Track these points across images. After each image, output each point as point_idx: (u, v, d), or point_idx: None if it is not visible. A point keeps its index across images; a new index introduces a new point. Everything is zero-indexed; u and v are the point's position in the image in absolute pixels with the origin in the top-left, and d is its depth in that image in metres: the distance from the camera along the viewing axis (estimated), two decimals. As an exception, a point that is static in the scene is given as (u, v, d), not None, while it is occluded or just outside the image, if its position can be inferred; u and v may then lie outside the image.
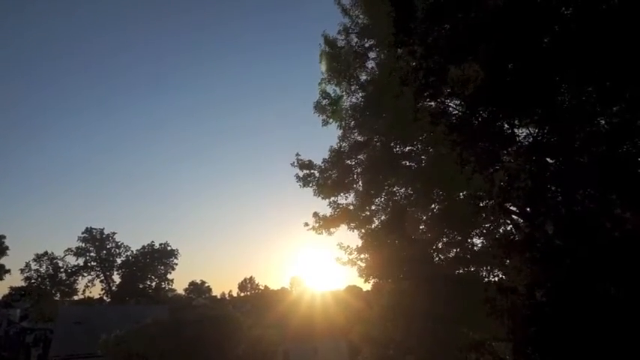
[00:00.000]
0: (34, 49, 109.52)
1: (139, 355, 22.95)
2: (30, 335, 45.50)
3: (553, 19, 9.40)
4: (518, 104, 9.75)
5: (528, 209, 10.76)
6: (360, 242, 15.48)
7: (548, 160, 10.25)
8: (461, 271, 13.63)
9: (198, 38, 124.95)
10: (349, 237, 16.04)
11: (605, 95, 9.02)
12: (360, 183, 15.48)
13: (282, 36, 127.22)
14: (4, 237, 53.88)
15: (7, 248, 53.76)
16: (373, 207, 15.42)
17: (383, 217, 15.07)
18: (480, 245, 13.54)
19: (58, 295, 68.25)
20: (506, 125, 10.86)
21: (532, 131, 10.81)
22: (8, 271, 55.61)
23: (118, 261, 71.53)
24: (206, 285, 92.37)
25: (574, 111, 9.44)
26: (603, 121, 9.66)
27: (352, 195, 15.72)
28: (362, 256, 15.37)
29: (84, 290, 69.69)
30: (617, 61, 8.48)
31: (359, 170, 15.47)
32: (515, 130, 10.94)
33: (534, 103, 9.70)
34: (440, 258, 14.04)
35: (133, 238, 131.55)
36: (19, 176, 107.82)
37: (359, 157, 15.40)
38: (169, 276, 72.53)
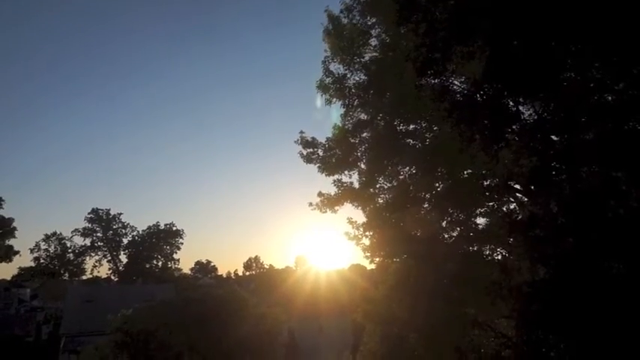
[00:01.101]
0: (37, 32, 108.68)
1: (147, 332, 23.33)
2: (40, 313, 46.36)
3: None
4: (523, 81, 9.61)
5: (532, 187, 10.71)
6: (364, 219, 15.60)
7: (552, 137, 10.16)
8: (465, 250, 13.68)
9: (202, 19, 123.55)
10: (354, 214, 16.16)
11: (612, 71, 8.87)
12: (364, 161, 15.48)
13: (285, 15, 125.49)
14: (12, 219, 54.36)
15: (15, 229, 54.27)
16: (377, 185, 15.45)
17: (387, 196, 15.09)
18: (483, 224, 13.57)
19: (67, 274, 69.37)
20: (510, 103, 10.73)
21: (537, 109, 10.69)
22: (17, 252, 56.21)
23: (125, 241, 72.61)
24: (212, 264, 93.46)
25: (579, 87, 9.30)
26: (609, 98, 9.53)
27: (356, 173, 15.77)
28: (367, 233, 15.48)
29: (92, 270, 70.90)
30: (624, 36, 8.32)
31: (363, 149, 15.45)
32: (520, 108, 10.82)
33: (539, 79, 9.55)
34: (444, 237, 14.08)
35: (138, 218, 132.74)
36: (26, 157, 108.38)
37: (363, 135, 15.37)
38: (175, 256, 73.55)
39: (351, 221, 15.80)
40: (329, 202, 15.88)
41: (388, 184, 15.15)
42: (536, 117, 10.58)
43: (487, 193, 11.98)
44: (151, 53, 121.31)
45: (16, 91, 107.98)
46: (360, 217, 15.83)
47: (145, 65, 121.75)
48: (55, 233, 69.12)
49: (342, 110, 15.43)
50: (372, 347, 17.84)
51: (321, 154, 15.82)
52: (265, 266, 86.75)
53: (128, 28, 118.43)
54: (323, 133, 16.03)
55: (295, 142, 16.16)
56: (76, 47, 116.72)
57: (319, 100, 15.61)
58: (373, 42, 14.84)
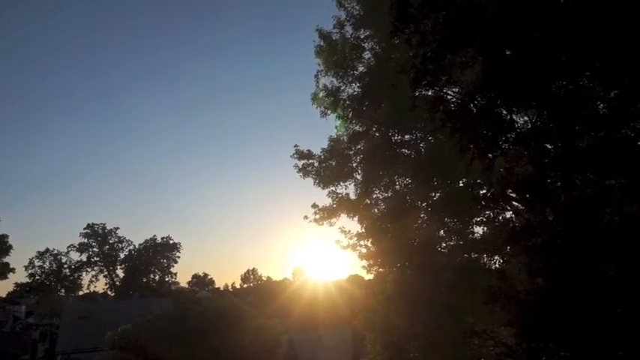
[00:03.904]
0: (31, 45, 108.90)
1: (146, 347, 23.16)
2: (36, 331, 45.84)
3: (551, 4, 9.34)
4: (516, 90, 9.73)
5: (528, 196, 10.77)
6: (360, 230, 15.59)
7: (547, 145, 10.25)
8: (462, 259, 13.70)
9: (195, 31, 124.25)
10: (350, 225, 16.14)
11: (603, 80, 8.99)
12: (360, 172, 15.52)
13: (281, 26, 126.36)
14: (6, 236, 53.95)
15: (10, 247, 53.79)
16: (374, 196, 15.48)
17: (383, 206, 15.10)
18: (480, 233, 13.61)
19: (63, 290, 68.73)
20: (504, 111, 10.84)
21: (531, 117, 10.80)
22: (12, 270, 55.70)
23: (121, 255, 72.05)
24: (209, 277, 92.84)
25: (572, 96, 9.41)
26: (602, 106, 9.65)
27: (352, 184, 15.79)
28: (362, 242, 15.48)
29: (88, 285, 70.30)
30: (615, 45, 8.45)
31: (358, 159, 15.50)
32: (514, 117, 10.92)
33: (532, 88, 9.67)
34: (441, 246, 14.10)
35: (135, 232, 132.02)
36: (19, 174, 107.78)
37: (358, 147, 15.43)
38: (172, 269, 73.05)
39: (343, 230, 15.80)
40: (325, 215, 15.87)
41: (384, 195, 15.18)
42: (530, 125, 10.68)
43: (483, 202, 12.03)
44: (142, 69, 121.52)
45: (10, 108, 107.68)
46: (356, 228, 15.84)
47: (136, 80, 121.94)
48: (47, 250, 68.47)
49: (338, 122, 15.53)
50: (374, 357, 17.78)
51: (316, 165, 15.85)
52: (263, 278, 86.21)
53: (118, 42, 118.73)
54: (322, 144, 16.10)
55: (291, 156, 16.22)
56: (63, 64, 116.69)
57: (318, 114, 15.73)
58: (366, 55, 15.03)
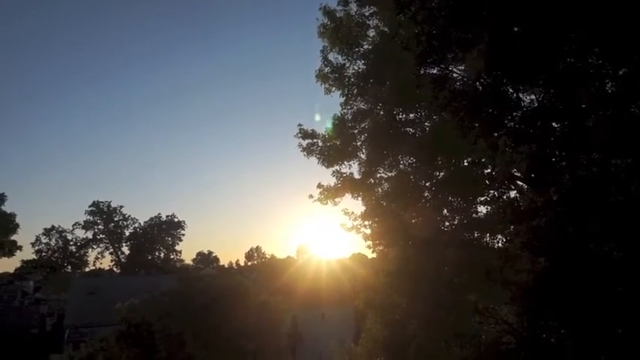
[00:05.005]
0: (35, 26, 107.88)
1: (151, 323, 23.52)
2: (44, 306, 46.66)
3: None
4: (523, 68, 9.58)
5: (533, 175, 10.71)
6: (364, 210, 15.59)
7: (553, 124, 10.14)
8: (465, 238, 13.72)
9: (199, 11, 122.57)
10: (354, 204, 16.10)
11: (612, 57, 8.84)
12: (364, 151, 15.46)
13: (287, 6, 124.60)
14: (14, 214, 54.28)
15: (17, 226, 54.11)
16: (378, 175, 15.44)
17: (387, 185, 15.08)
18: (484, 212, 13.60)
19: (69, 267, 69.68)
20: (510, 90, 10.70)
21: (537, 96, 10.66)
22: (20, 247, 56.18)
23: (127, 233, 72.75)
24: (213, 255, 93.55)
25: (580, 74, 9.27)
26: (610, 84, 9.50)
27: (356, 163, 15.74)
28: (366, 222, 15.49)
29: (94, 262, 71.24)
30: (625, 22, 8.28)
31: (362, 138, 15.42)
32: (520, 95, 10.78)
33: (540, 66, 9.52)
34: (444, 225, 14.11)
35: (140, 210, 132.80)
36: (25, 152, 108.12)
37: (362, 125, 15.33)
38: (177, 247, 73.79)
39: (347, 212, 15.79)
40: (329, 194, 15.85)
41: (388, 174, 15.14)
42: (536, 104, 10.55)
43: (487, 182, 11.98)
44: (148, 46, 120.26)
45: (15, 86, 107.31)
46: (360, 208, 15.84)
47: (142, 58, 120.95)
48: (54, 227, 69.14)
49: (342, 99, 15.39)
50: (374, 334, 18.01)
51: (320, 144, 15.79)
52: (267, 256, 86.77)
53: (126, 22, 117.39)
54: (322, 129, 16.01)
55: (295, 135, 16.13)
56: (73, 40, 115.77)
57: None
58: (371, 32, 14.83)
